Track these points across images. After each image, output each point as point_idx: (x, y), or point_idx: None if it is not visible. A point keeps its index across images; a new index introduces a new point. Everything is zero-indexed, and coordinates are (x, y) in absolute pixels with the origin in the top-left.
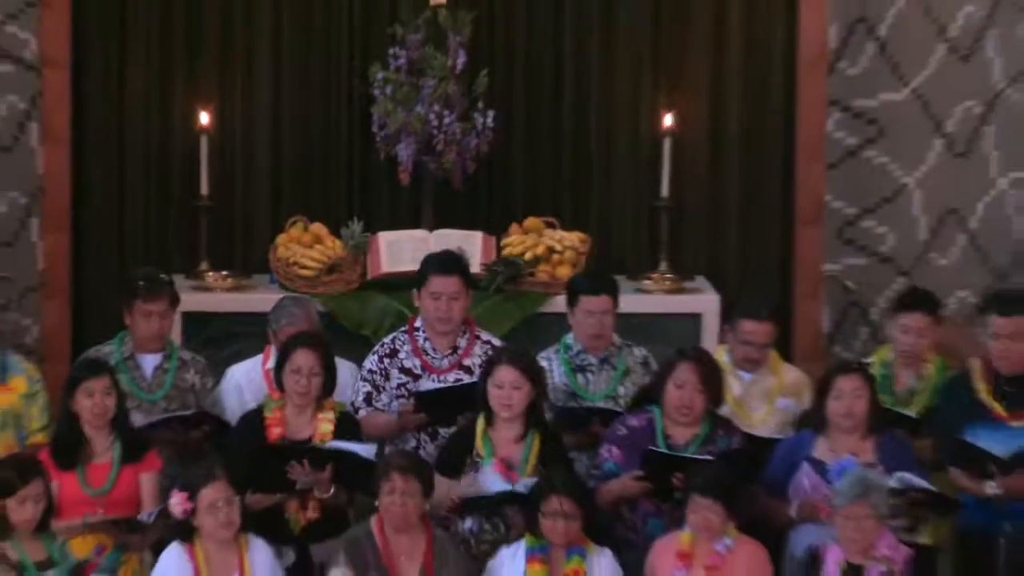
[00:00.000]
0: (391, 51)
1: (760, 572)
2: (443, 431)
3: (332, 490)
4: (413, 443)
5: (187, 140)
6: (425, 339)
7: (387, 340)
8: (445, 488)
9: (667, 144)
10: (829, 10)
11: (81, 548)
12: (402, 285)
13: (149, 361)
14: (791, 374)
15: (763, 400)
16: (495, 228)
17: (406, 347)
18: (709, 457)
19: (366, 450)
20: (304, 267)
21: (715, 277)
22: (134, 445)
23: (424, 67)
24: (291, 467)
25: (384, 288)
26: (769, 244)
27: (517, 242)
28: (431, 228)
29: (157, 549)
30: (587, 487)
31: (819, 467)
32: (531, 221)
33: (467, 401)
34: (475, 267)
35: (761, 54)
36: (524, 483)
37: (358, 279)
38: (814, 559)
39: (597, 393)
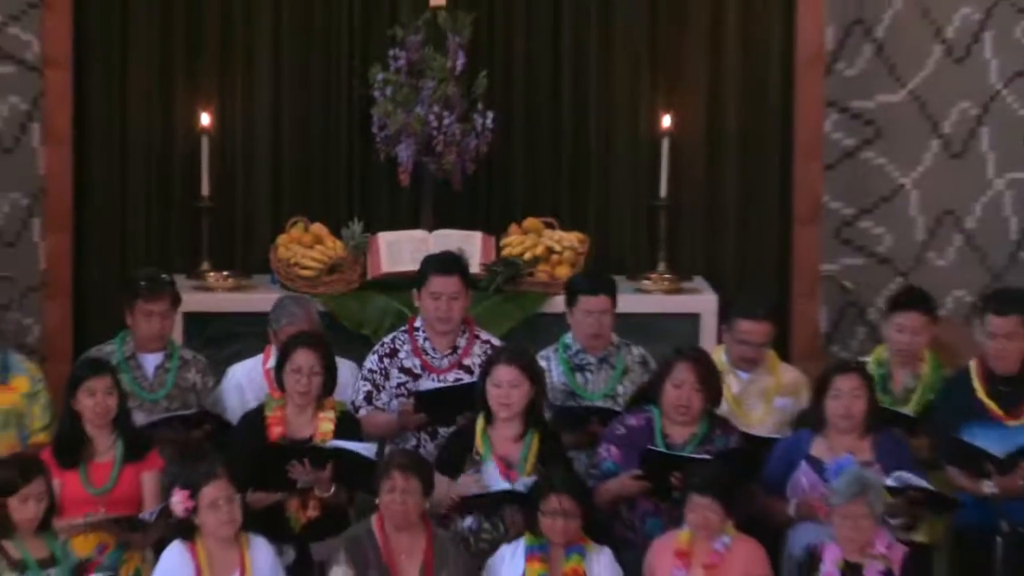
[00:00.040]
0: (391, 52)
1: (758, 570)
2: (443, 430)
3: (333, 489)
4: (413, 442)
5: (188, 141)
6: (425, 339)
7: (387, 340)
8: (445, 487)
9: (665, 145)
10: (826, 11)
11: (83, 547)
12: (402, 285)
13: (150, 360)
14: (789, 373)
15: (761, 399)
16: (494, 228)
17: (406, 347)
18: (708, 457)
19: (367, 449)
20: (305, 267)
21: (713, 277)
22: (136, 444)
23: (424, 68)
24: (292, 466)
25: (384, 288)
26: (767, 244)
27: (516, 242)
28: (431, 229)
29: (158, 548)
30: (586, 486)
31: (817, 466)
32: (530, 222)
33: (467, 400)
34: (475, 267)
35: (759, 55)
36: (523, 482)
37: (358, 279)
38: (812, 558)
39: (596, 392)
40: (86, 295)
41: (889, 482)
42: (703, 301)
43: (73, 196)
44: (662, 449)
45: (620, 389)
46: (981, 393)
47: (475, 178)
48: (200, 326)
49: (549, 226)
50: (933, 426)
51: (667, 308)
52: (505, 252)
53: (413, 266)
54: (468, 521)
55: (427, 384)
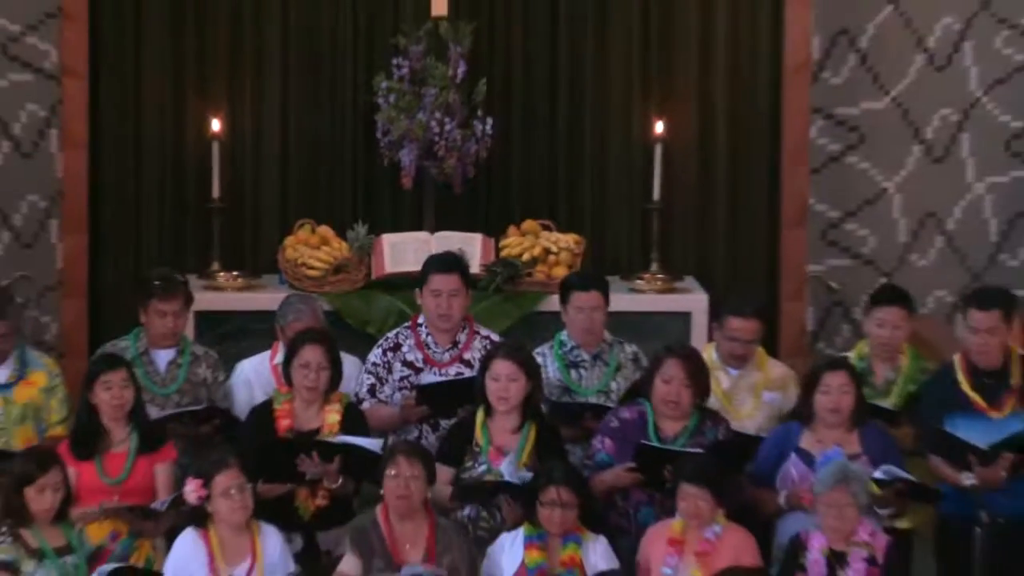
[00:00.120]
0: (394, 61)
1: (748, 558)
2: (444, 422)
3: (340, 480)
4: (415, 434)
5: (200, 146)
6: (427, 333)
7: (391, 335)
8: (446, 477)
9: (658, 150)
10: (813, 22)
11: (97, 534)
12: (405, 285)
13: (163, 356)
14: (777, 369)
15: (750, 394)
16: (494, 230)
17: (409, 341)
18: (700, 451)
19: (373, 444)
20: (311, 267)
21: (704, 277)
22: (150, 436)
23: (426, 76)
24: (301, 459)
25: (388, 288)
26: (756, 246)
27: (515, 244)
28: (432, 230)
29: (170, 536)
30: (583, 477)
31: (807, 458)
32: (528, 223)
33: (467, 394)
34: (475, 268)
35: (747, 65)
36: (519, 475)
37: (363, 279)
38: (797, 546)
39: (590, 388)
40: (101, 294)
41: (877, 475)
42: (694, 300)
43: (89, 199)
44: (655, 444)
45: (613, 385)
46: (966, 386)
47: (475, 182)
48: (211, 324)
49: (546, 228)
50: (918, 417)
51: (659, 307)
52: (504, 253)
53: (416, 266)
54: (467, 510)
55: (429, 378)
